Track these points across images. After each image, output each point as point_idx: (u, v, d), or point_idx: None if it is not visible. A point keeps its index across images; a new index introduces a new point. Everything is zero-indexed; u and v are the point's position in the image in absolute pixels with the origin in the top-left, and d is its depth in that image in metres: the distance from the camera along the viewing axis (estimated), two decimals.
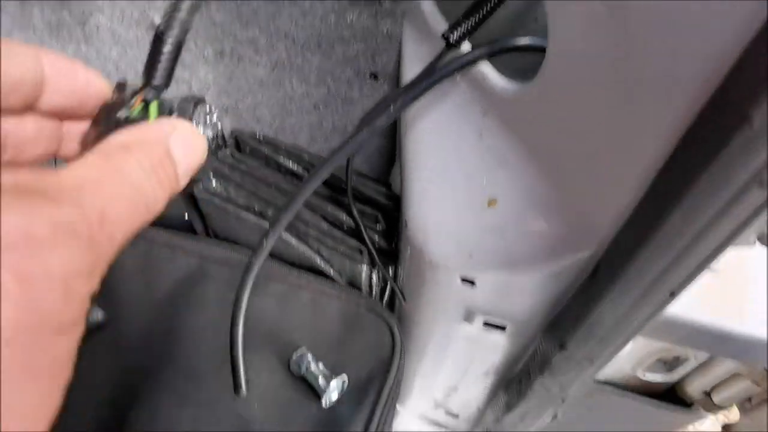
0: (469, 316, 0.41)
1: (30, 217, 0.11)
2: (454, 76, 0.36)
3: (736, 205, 0.19)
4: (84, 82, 0.19)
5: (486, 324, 0.41)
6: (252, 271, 0.34)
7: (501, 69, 0.36)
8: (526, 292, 0.35)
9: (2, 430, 0.10)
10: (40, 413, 0.11)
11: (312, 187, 0.35)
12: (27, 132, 0.18)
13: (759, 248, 0.40)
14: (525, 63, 0.39)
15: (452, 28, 0.35)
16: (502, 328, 0.41)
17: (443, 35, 0.35)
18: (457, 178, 0.37)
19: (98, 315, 0.47)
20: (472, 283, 0.37)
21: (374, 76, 0.48)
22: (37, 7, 0.50)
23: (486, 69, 0.35)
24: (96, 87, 0.19)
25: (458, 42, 0.35)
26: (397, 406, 0.59)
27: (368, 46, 0.45)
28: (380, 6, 0.46)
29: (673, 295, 0.26)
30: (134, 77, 0.19)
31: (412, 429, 0.69)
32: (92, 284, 0.12)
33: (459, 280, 0.37)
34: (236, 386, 0.33)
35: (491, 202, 0.35)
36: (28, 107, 0.18)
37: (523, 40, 0.36)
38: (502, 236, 0.34)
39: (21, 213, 0.11)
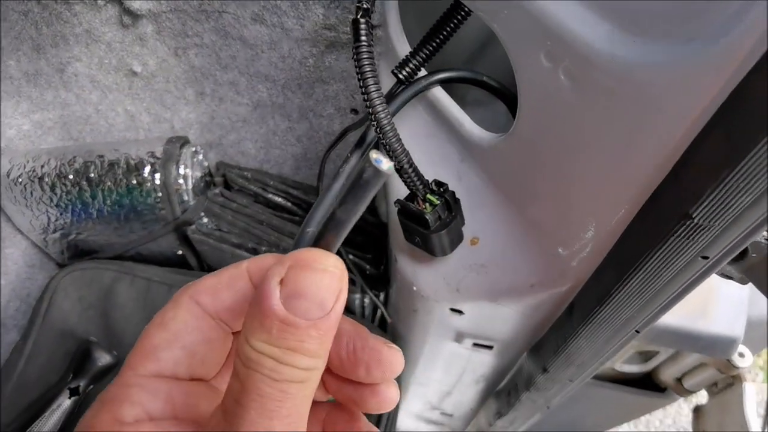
0: (458, 338, 0.44)
1: None
2: (429, 121, 0.39)
3: (683, 274, 0.22)
4: None
5: (475, 344, 0.44)
6: None
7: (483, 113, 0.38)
8: (510, 320, 0.38)
9: None
10: None
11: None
12: None
13: None
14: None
15: (401, 65, 0.36)
16: (490, 347, 0.44)
17: (392, 72, 0.36)
18: None
19: (107, 358, 0.49)
20: (460, 312, 0.40)
21: (355, 111, 0.49)
22: (13, 59, 0.50)
23: (462, 118, 0.37)
24: None
25: (407, 78, 0.36)
26: None
27: (347, 86, 0.46)
28: None
29: (638, 331, 0.29)
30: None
31: (409, 428, 0.73)
32: None
33: (448, 310, 0.40)
34: None
35: (473, 241, 0.38)
36: None
37: (466, 72, 0.38)
38: (485, 272, 0.37)
39: None
